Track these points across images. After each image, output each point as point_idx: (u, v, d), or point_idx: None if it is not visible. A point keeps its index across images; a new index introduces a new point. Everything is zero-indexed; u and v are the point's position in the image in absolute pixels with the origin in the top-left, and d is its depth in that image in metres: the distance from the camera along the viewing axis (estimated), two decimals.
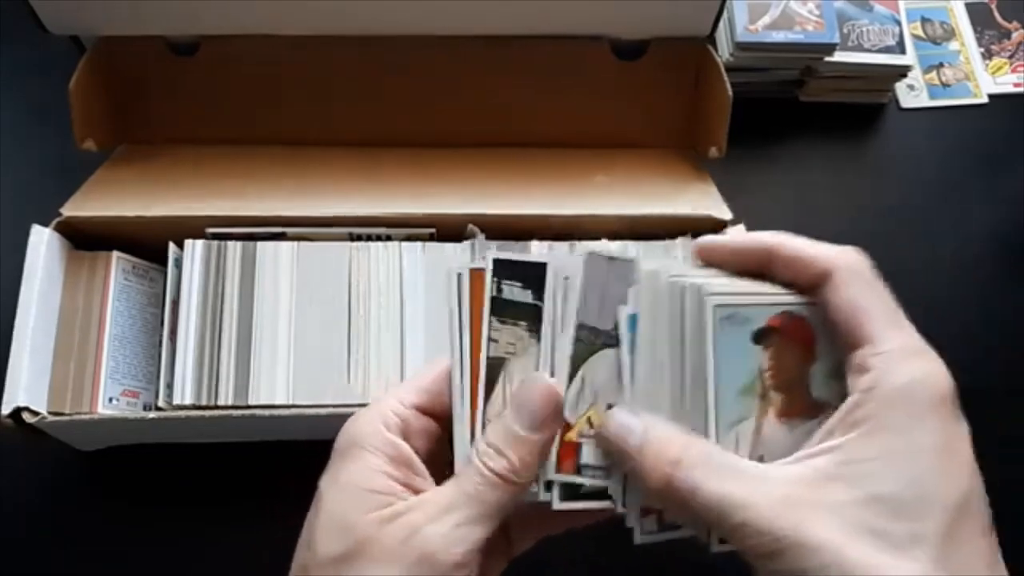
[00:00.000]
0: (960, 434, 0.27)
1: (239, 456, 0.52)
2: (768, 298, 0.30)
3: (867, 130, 0.68)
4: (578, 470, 0.30)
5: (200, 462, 0.52)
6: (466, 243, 0.51)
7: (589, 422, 0.30)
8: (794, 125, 0.67)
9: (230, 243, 0.50)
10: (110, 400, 0.47)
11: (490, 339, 0.31)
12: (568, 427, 0.30)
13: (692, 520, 0.29)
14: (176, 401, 0.46)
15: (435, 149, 0.58)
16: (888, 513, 0.25)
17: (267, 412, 0.45)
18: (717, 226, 0.52)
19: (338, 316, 0.49)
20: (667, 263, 0.31)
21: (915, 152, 0.67)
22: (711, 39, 0.56)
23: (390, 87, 0.58)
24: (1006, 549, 0.26)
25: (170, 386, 0.47)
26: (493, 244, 0.51)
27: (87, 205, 0.50)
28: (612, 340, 0.30)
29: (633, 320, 0.30)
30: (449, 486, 0.29)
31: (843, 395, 0.29)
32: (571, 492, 0.30)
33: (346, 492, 0.29)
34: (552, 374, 0.31)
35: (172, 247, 0.50)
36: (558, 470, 0.30)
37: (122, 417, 0.47)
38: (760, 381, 0.30)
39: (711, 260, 0.32)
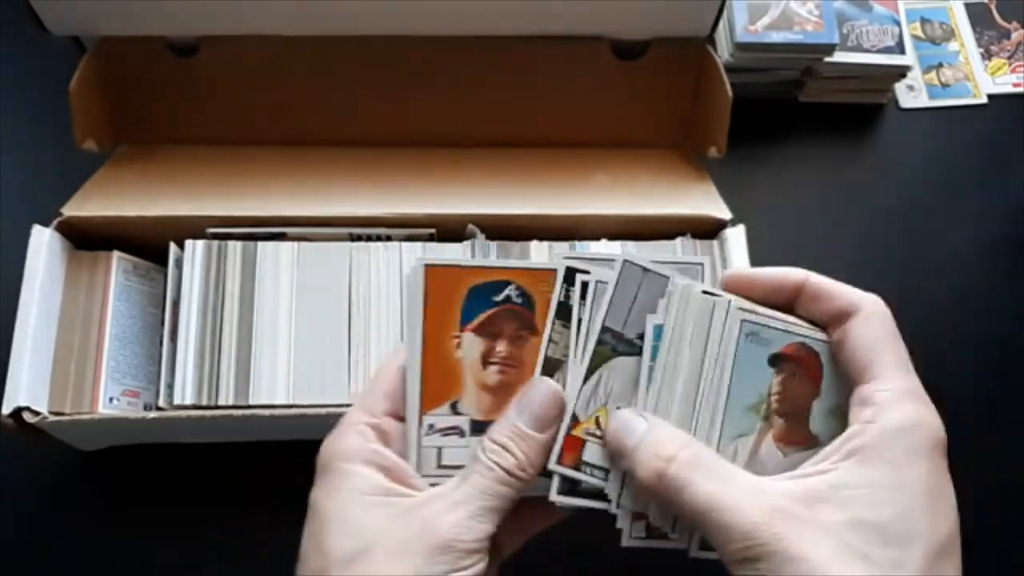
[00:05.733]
0: (947, 480, 0.28)
1: (239, 456, 0.52)
2: (789, 326, 0.32)
3: (866, 130, 0.68)
4: (578, 466, 0.31)
5: (200, 462, 0.52)
6: (466, 243, 0.51)
7: (597, 422, 0.32)
8: (794, 125, 0.67)
9: (230, 243, 0.50)
10: (110, 400, 0.47)
11: (551, 340, 0.32)
12: (576, 423, 0.31)
13: (677, 518, 0.30)
14: (176, 401, 0.46)
15: (435, 149, 0.58)
16: (873, 539, 0.26)
17: (267, 412, 0.45)
18: (717, 226, 0.52)
19: (338, 316, 0.49)
20: (698, 282, 0.32)
21: (914, 152, 0.67)
22: (711, 39, 0.56)
23: (390, 87, 0.58)
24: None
25: (171, 386, 0.47)
26: (493, 244, 0.51)
27: (87, 205, 0.50)
28: (633, 348, 0.32)
29: (658, 330, 0.31)
30: (456, 481, 0.31)
31: (837, 434, 0.30)
32: (570, 487, 0.32)
33: (348, 498, 0.30)
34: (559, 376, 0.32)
35: (173, 247, 0.50)
36: (559, 461, 0.31)
37: (122, 417, 0.47)
38: (767, 403, 0.32)
39: (739, 291, 0.33)
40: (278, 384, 0.47)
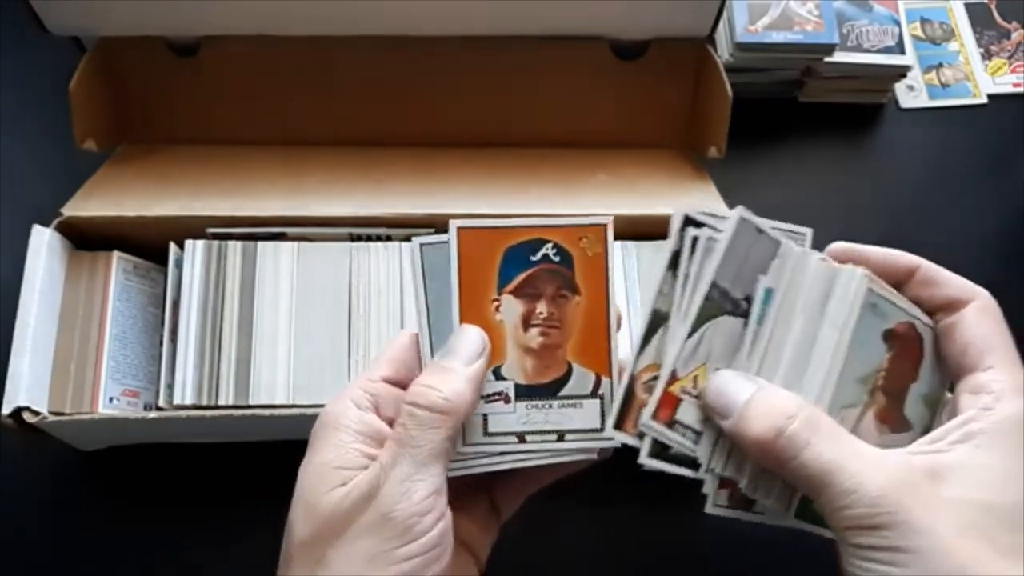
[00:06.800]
0: None
1: (239, 456, 0.52)
2: (905, 304, 0.32)
3: (866, 130, 0.68)
4: (671, 424, 0.30)
5: (200, 462, 0.52)
6: None
7: (695, 381, 0.30)
8: (794, 125, 0.67)
9: (230, 243, 0.50)
10: (110, 400, 0.47)
11: (660, 291, 0.31)
12: (675, 379, 0.30)
13: (785, 482, 0.29)
14: (176, 401, 0.46)
15: (435, 149, 0.58)
16: (996, 521, 0.26)
17: (267, 412, 0.45)
18: None
19: (338, 316, 0.49)
20: (813, 250, 0.32)
21: (914, 152, 0.67)
22: (711, 39, 0.56)
23: (390, 87, 0.58)
24: None
25: (171, 386, 0.47)
26: None
27: (87, 205, 0.50)
28: (737, 309, 0.31)
29: (768, 293, 0.30)
30: (388, 444, 0.30)
31: (926, 422, 0.31)
32: (660, 451, 0.30)
33: (315, 473, 0.30)
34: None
35: (173, 247, 0.50)
36: (654, 417, 0.30)
37: (122, 417, 0.47)
38: (875, 377, 0.31)
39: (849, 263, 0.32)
40: (278, 384, 0.47)
